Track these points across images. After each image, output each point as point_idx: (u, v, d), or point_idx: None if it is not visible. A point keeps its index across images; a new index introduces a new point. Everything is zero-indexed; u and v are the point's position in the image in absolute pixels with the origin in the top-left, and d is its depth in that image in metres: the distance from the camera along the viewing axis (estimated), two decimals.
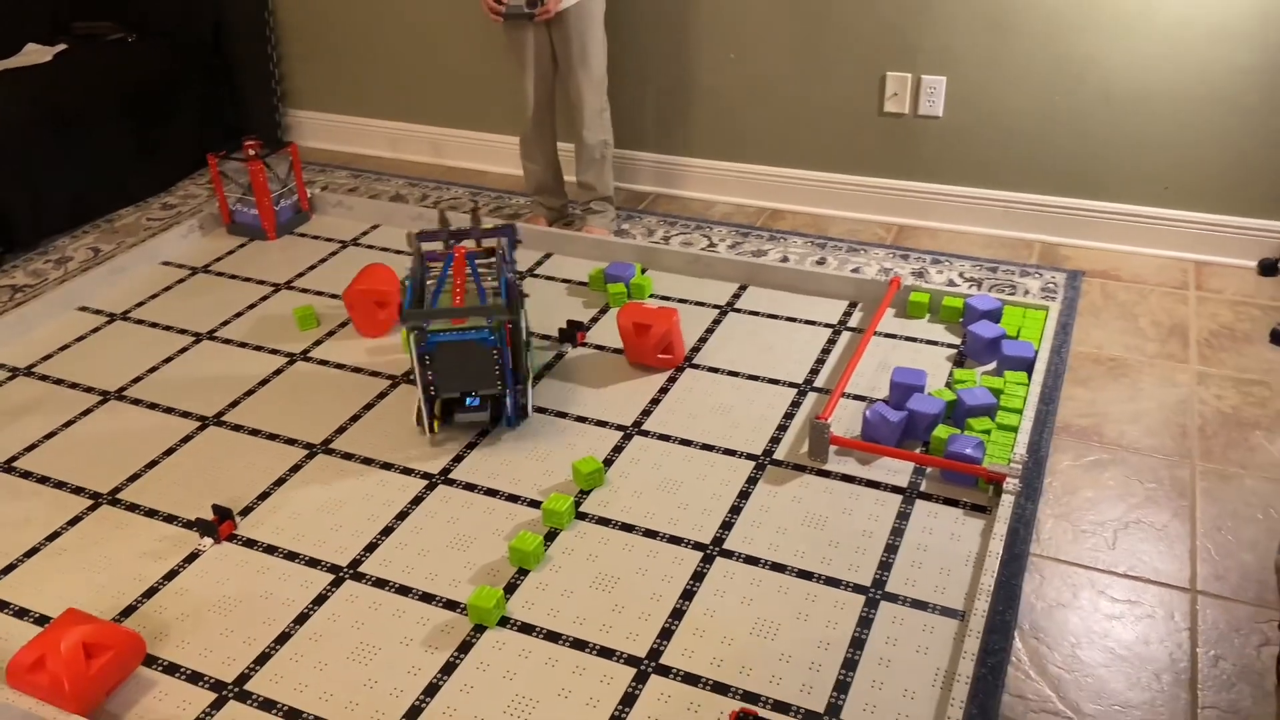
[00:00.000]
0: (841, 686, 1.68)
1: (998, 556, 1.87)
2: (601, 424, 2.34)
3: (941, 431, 2.18)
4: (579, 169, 3.10)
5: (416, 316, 2.13)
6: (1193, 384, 2.41)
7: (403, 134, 3.86)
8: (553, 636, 1.80)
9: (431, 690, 1.71)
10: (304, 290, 2.95)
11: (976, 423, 2.22)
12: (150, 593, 1.93)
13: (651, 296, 2.84)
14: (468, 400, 2.28)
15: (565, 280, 2.94)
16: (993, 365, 2.48)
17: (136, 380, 2.55)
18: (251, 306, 2.87)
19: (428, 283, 2.27)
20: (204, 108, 3.77)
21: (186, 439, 2.34)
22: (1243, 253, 2.90)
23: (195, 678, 1.75)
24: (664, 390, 2.46)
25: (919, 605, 1.83)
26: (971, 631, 1.71)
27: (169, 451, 2.30)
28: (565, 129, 3.12)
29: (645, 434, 2.31)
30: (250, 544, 2.03)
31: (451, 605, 1.87)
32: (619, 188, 3.40)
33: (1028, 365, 2.40)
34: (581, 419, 2.36)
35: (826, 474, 2.17)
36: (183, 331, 2.76)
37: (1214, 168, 2.85)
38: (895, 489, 2.11)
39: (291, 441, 2.32)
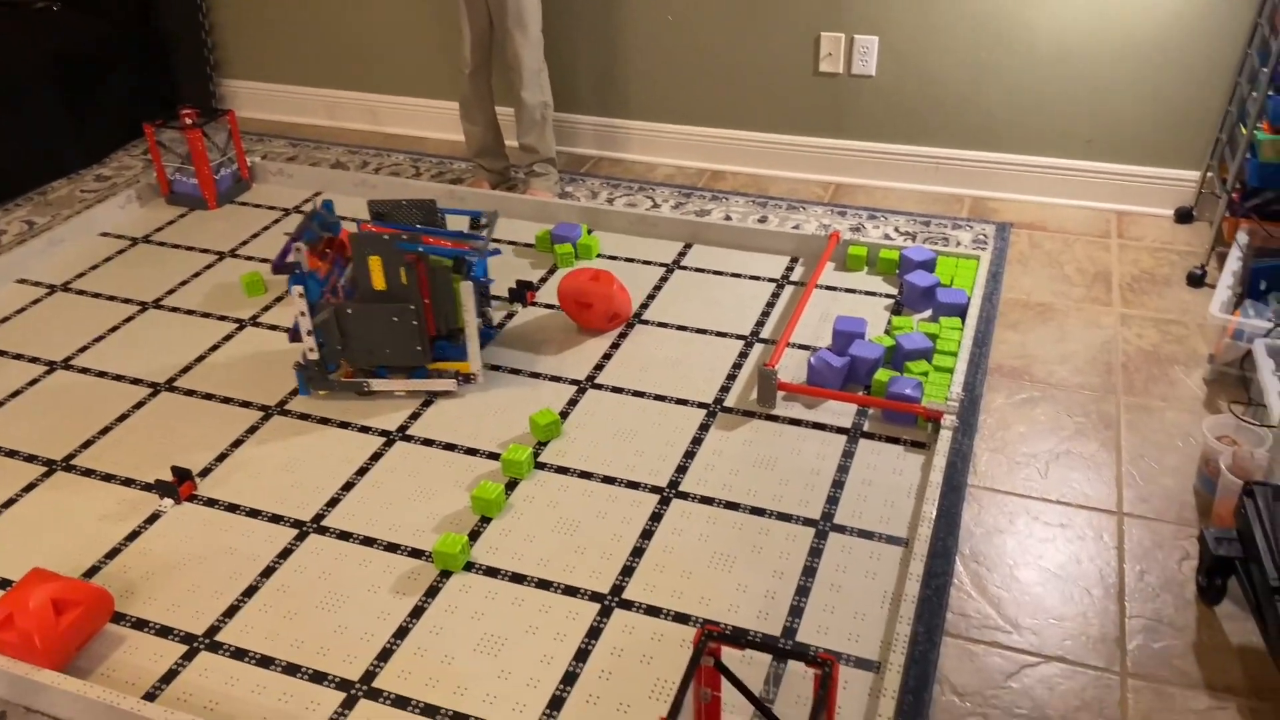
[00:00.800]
0: (796, 611, 1.77)
1: (938, 488, 1.97)
2: (556, 379, 2.39)
3: (882, 375, 2.28)
4: (520, 131, 3.13)
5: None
6: (1116, 325, 2.54)
7: (340, 102, 3.84)
8: (518, 578, 1.86)
9: (401, 633, 1.76)
10: (249, 258, 2.94)
11: (914, 365, 2.31)
12: (113, 553, 1.94)
13: (599, 257, 2.89)
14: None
15: (512, 242, 2.98)
16: (928, 313, 2.59)
17: (83, 350, 2.54)
18: (196, 275, 2.86)
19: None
20: (136, 78, 3.71)
21: (139, 405, 2.34)
22: (1161, 202, 3.04)
23: (165, 631, 1.77)
24: (615, 346, 2.51)
25: (865, 535, 1.92)
26: (916, 556, 1.81)
27: (122, 417, 2.30)
28: (505, 92, 3.14)
29: (599, 387, 2.37)
30: (211, 503, 2.05)
31: (417, 553, 1.92)
32: (561, 151, 3.43)
33: (961, 311, 2.51)
34: (536, 375, 2.41)
35: (775, 418, 2.25)
36: (127, 301, 2.74)
37: (1134, 122, 2.98)
38: (840, 430, 2.20)
39: (247, 404, 2.33)
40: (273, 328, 2.61)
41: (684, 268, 2.84)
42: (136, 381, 2.42)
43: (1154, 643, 1.72)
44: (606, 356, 2.47)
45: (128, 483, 2.11)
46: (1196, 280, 2.68)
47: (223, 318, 2.66)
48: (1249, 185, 2.61)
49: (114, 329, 2.62)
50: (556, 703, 1.63)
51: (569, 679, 1.67)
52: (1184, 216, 3.00)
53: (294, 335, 2.26)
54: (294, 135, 3.80)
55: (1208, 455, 1.98)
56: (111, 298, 2.75)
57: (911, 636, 1.68)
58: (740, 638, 1.41)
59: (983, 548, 1.91)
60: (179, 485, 2.04)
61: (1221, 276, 2.43)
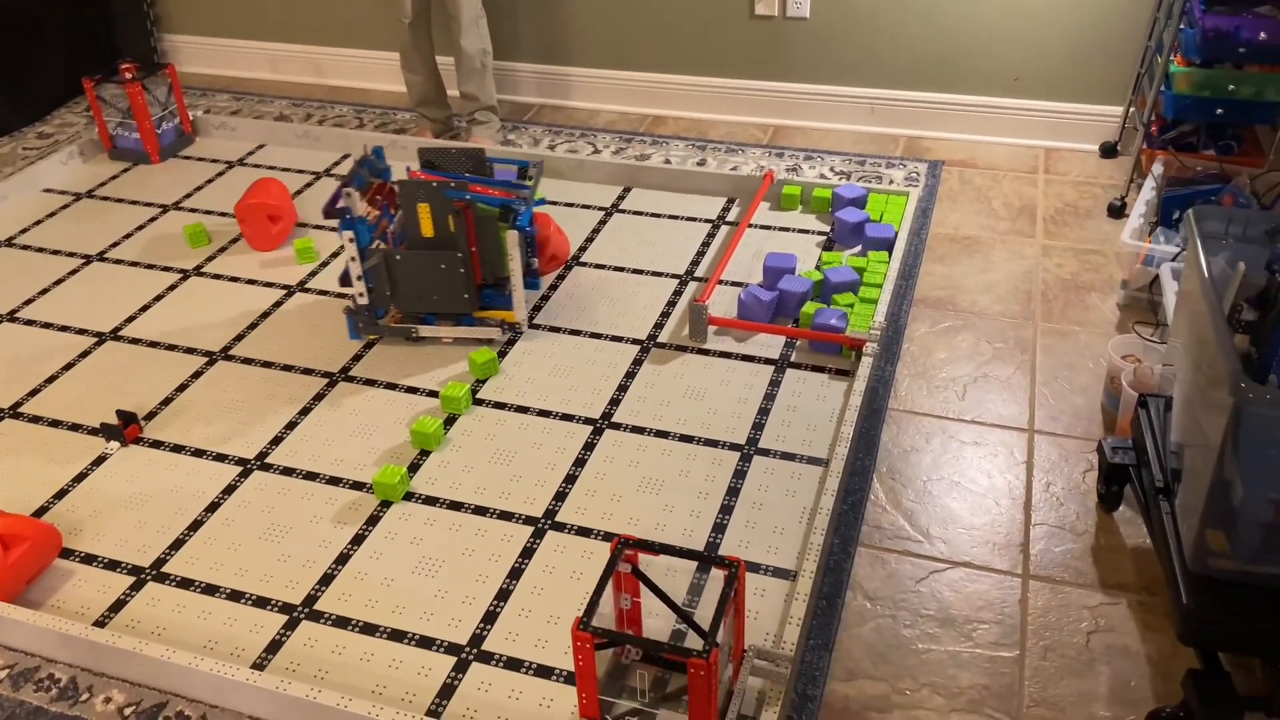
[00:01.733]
0: (719, 528, 1.86)
1: (857, 410, 2.06)
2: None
3: (809, 307, 2.36)
4: (460, 79, 3.16)
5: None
6: (1038, 256, 2.63)
7: (283, 55, 3.84)
8: (455, 506, 1.94)
9: (342, 559, 1.83)
10: (193, 210, 2.97)
11: (841, 298, 2.40)
12: (61, 494, 2.00)
13: (540, 202, 2.94)
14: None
15: None
16: (858, 248, 2.67)
17: (28, 303, 2.57)
18: (140, 228, 2.88)
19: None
20: (74, 35, 3.69)
21: (85, 354, 2.38)
22: (1087, 137, 3.13)
23: (112, 565, 1.84)
24: (553, 288, 2.58)
25: (788, 457, 2.01)
26: (833, 474, 1.90)
27: (68, 366, 2.34)
28: (446, 42, 3.17)
29: (536, 327, 2.43)
30: (157, 445, 2.11)
31: (358, 486, 1.99)
32: (503, 100, 3.46)
33: (889, 246, 2.59)
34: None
35: (706, 352, 2.33)
36: (71, 254, 2.76)
37: (1059, 59, 3.06)
38: (768, 361, 2.28)
39: (191, 350, 2.38)
40: (217, 277, 2.65)
41: (622, 211, 2.90)
42: (82, 332, 2.45)
43: (1055, 547, 1.82)
44: (545, 298, 2.53)
45: (75, 428, 2.16)
46: (1116, 211, 2.78)
47: (167, 268, 2.69)
48: (1165, 118, 2.69)
49: (59, 282, 2.65)
50: (490, 617, 1.71)
51: (503, 595, 1.75)
52: (1108, 151, 3.09)
53: (344, 280, 2.29)
54: (237, 89, 3.80)
55: (1113, 373, 2.09)
56: (55, 252, 2.78)
57: (826, 547, 1.77)
58: (653, 544, 1.49)
59: (899, 465, 2.01)
60: (125, 428, 2.10)
61: (1135, 206, 2.52)
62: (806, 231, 2.76)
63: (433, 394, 2.22)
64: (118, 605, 1.76)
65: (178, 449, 2.09)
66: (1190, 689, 1.45)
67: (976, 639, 1.66)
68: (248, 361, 2.34)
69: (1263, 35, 2.40)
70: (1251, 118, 2.61)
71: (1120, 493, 1.87)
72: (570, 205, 2.92)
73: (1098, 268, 2.57)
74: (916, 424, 2.12)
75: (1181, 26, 2.55)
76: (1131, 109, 3.01)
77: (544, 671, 1.62)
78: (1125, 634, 1.66)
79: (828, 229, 2.76)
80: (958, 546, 1.83)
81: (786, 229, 2.78)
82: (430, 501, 1.95)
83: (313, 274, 2.65)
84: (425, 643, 1.67)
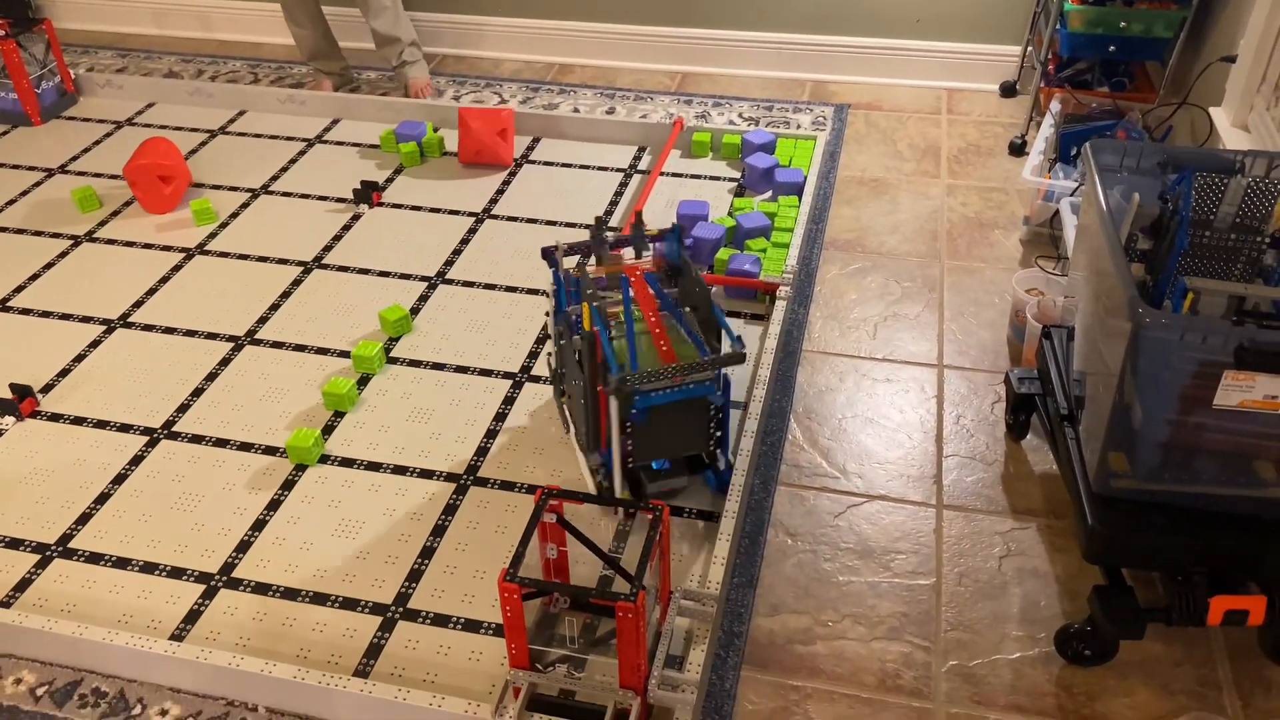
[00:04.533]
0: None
1: (773, 353, 2.08)
2: (405, 276, 2.41)
3: (723, 254, 2.36)
4: (371, 21, 3.03)
5: (630, 382, 1.60)
6: (943, 196, 2.68)
7: (167, 8, 3.67)
8: (374, 466, 1.91)
9: (259, 525, 1.79)
10: (80, 173, 2.83)
11: (754, 244, 2.41)
12: None
13: (445, 154, 2.89)
14: (654, 464, 1.78)
15: (355, 144, 2.94)
16: (769, 193, 2.68)
17: None
18: (24, 193, 2.74)
19: (608, 323, 1.73)
20: None
21: None
22: (987, 77, 3.19)
23: (15, 544, 1.77)
24: (465, 242, 2.54)
25: None
26: (751, 416, 1.92)
27: None
28: None
29: (450, 282, 2.39)
30: (56, 418, 2.03)
31: (271, 451, 1.94)
32: None
33: (798, 190, 2.61)
34: (385, 273, 2.42)
35: None
36: None
37: (958, 0, 3.10)
38: None
39: (87, 319, 2.28)
40: (110, 242, 2.54)
41: (532, 162, 2.86)
42: None
43: (967, 477, 1.88)
44: (456, 252, 2.49)
45: None
46: (1017, 149, 2.84)
47: (56, 235, 2.57)
48: (1061, 56, 2.75)
49: None
50: (415, 575, 1.70)
51: (426, 553, 1.74)
52: (1008, 90, 3.15)
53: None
54: (121, 46, 3.62)
55: (1017, 306, 2.14)
56: None
57: (747, 487, 1.80)
58: (577, 494, 1.49)
59: (815, 405, 2.04)
60: (19, 402, 2.01)
61: (1035, 144, 2.58)
62: (717, 178, 2.76)
63: (344, 354, 2.18)
64: (23, 584, 1.69)
65: (78, 421, 2.02)
66: (1096, 604, 1.51)
67: (894, 569, 1.71)
68: (148, 328, 2.25)
69: None
70: (1142, 54, 2.68)
71: (1027, 422, 1.94)
72: None
73: (1000, 205, 2.63)
74: (830, 364, 2.15)
75: None
76: (1029, 48, 3.07)
77: (472, 626, 1.61)
78: (1035, 557, 1.72)
79: (738, 175, 2.77)
80: (873, 481, 1.88)
81: (698, 176, 2.78)
82: (347, 463, 1.92)
83: (212, 235, 2.56)
84: (349, 604, 1.65)
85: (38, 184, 2.78)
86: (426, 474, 1.89)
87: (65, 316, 2.29)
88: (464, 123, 2.74)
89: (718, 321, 1.70)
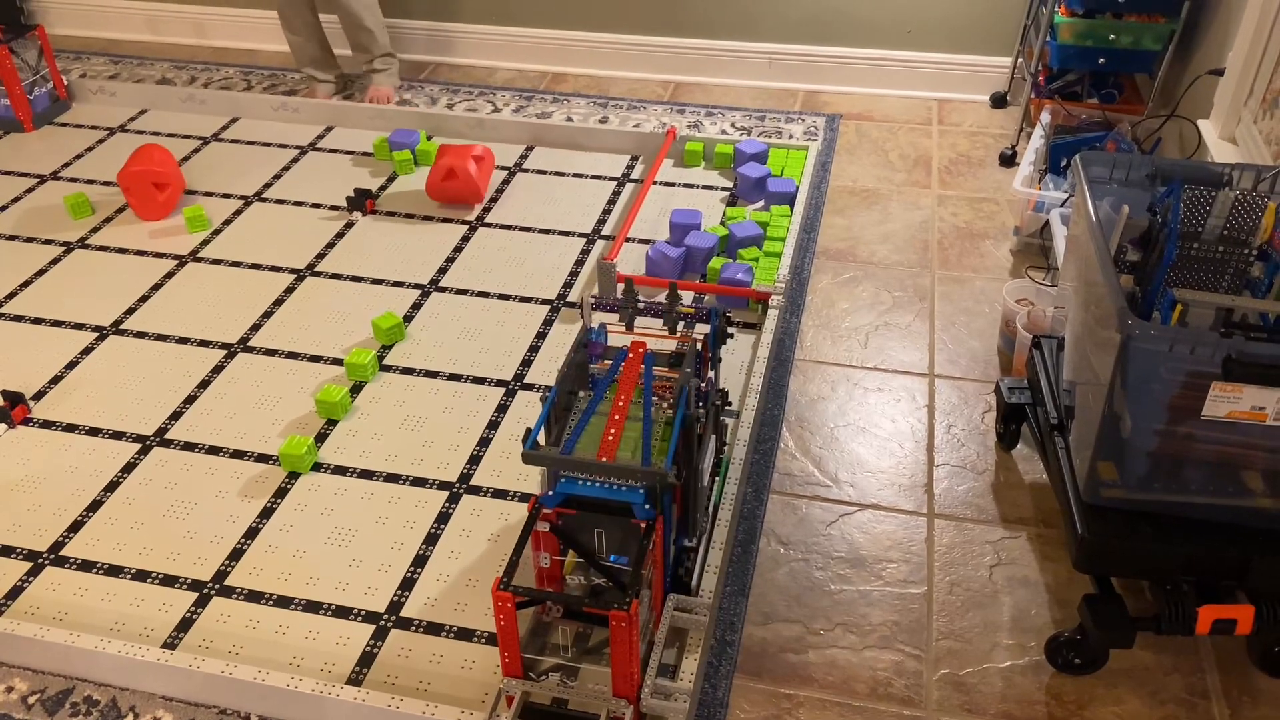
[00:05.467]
0: None
1: (765, 362, 2.09)
2: (398, 284, 2.42)
3: (716, 262, 2.37)
4: (347, 29, 3.06)
5: (540, 459, 1.45)
6: (934, 206, 2.70)
7: (162, 15, 3.67)
8: (366, 474, 1.91)
9: (251, 533, 1.79)
10: (73, 180, 2.83)
11: (746, 252, 2.42)
12: None
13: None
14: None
15: (349, 151, 2.95)
16: (761, 203, 2.69)
17: None
18: (16, 200, 2.74)
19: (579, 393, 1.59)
20: None
21: None
22: (978, 88, 3.21)
23: (6, 551, 1.76)
24: (458, 250, 2.54)
25: None
26: (744, 425, 1.93)
27: None
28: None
29: (443, 290, 2.40)
30: (48, 425, 2.02)
31: (264, 458, 1.94)
32: (399, 58, 3.37)
33: (791, 200, 2.62)
34: (378, 281, 2.43)
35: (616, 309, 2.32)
36: None
37: (950, 11, 3.12)
38: None
39: (80, 326, 2.28)
40: (103, 249, 2.54)
41: (526, 170, 2.87)
42: None
43: (958, 486, 1.89)
44: (450, 260, 2.50)
45: None
46: (1007, 160, 2.86)
47: (48, 241, 2.57)
48: (1051, 68, 2.77)
49: None
50: (408, 584, 1.70)
51: (419, 561, 1.74)
52: (998, 101, 3.17)
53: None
54: (114, 52, 3.62)
55: (1007, 316, 2.16)
56: None
57: (740, 496, 1.81)
58: (571, 502, 1.50)
59: (807, 414, 2.05)
60: (10, 410, 2.01)
61: (1025, 154, 2.59)
62: (710, 188, 2.78)
63: (337, 362, 2.18)
64: (14, 592, 1.69)
65: (70, 428, 2.01)
66: (1086, 613, 1.52)
67: (886, 577, 1.72)
68: (141, 335, 2.25)
69: None
70: (1131, 66, 2.71)
71: (1018, 431, 1.95)
72: None
73: (991, 215, 2.65)
74: (822, 373, 2.16)
75: None
76: (1019, 60, 3.09)
77: (465, 634, 1.62)
78: (1025, 565, 1.74)
79: (731, 185, 2.78)
80: (865, 489, 1.89)
81: (690, 185, 2.79)
82: (340, 471, 1.92)
83: (205, 243, 2.56)
84: (342, 612, 1.65)
85: (30, 190, 2.78)
86: (419, 482, 1.89)
87: (58, 323, 2.29)
88: (441, 156, 2.67)
89: (674, 429, 1.47)
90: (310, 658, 1.58)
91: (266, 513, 1.83)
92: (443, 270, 2.46)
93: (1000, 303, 2.27)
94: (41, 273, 2.46)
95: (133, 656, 1.51)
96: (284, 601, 1.67)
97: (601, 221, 2.64)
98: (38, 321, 2.30)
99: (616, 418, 1.51)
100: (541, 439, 1.49)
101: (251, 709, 1.50)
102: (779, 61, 3.30)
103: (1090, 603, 1.53)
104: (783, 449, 1.97)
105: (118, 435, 2.00)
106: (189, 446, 1.97)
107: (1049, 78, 2.85)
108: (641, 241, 2.55)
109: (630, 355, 1.61)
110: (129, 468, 1.92)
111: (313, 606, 1.66)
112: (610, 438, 1.47)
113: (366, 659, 1.58)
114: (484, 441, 1.98)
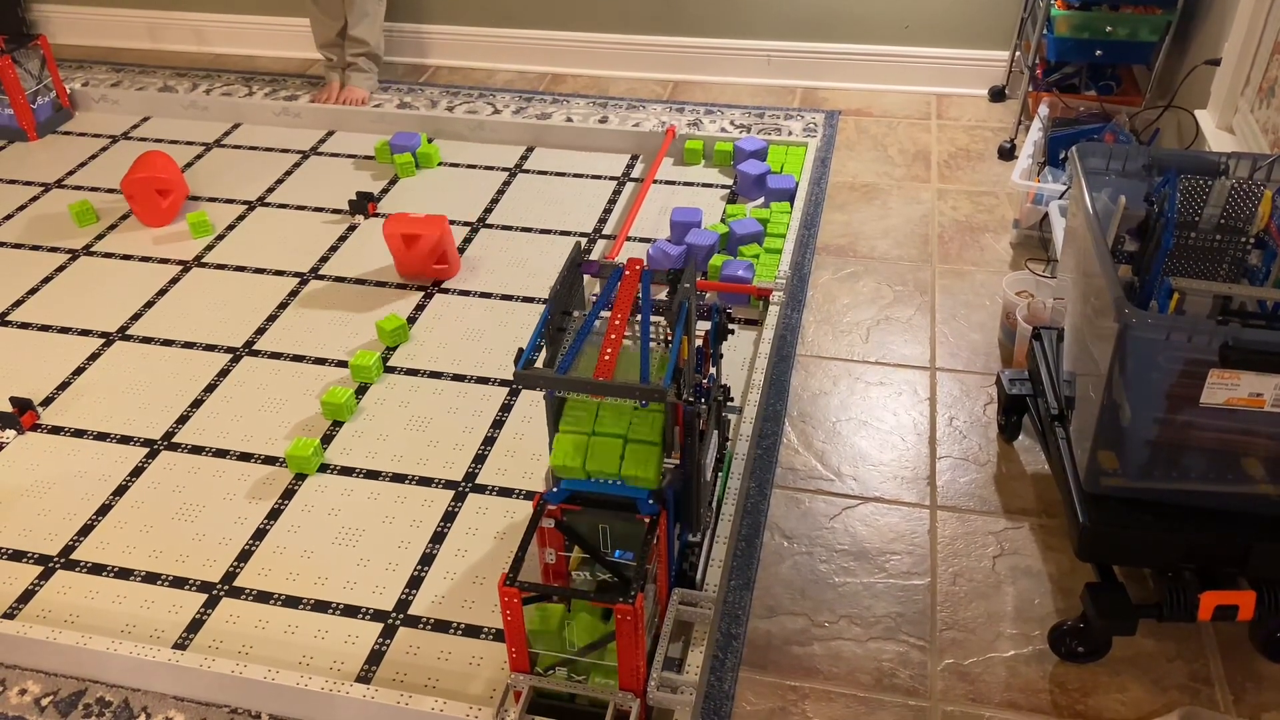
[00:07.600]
0: None
1: (767, 358, 2.10)
2: (402, 286, 2.43)
3: (717, 260, 2.39)
4: (352, 22, 3.14)
5: (533, 379, 1.39)
6: (934, 200, 2.71)
7: (162, 23, 3.69)
8: (372, 475, 1.92)
9: (259, 534, 1.81)
10: (77, 188, 2.85)
11: (747, 249, 2.43)
12: None
13: (440, 165, 2.91)
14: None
15: (350, 155, 2.96)
16: (761, 199, 2.70)
17: None
18: (21, 208, 2.76)
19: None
20: None
21: None
22: (976, 82, 3.22)
23: (18, 556, 1.78)
24: (460, 250, 2.55)
25: None
26: (747, 420, 1.94)
27: None
28: None
29: (446, 292, 2.41)
30: (56, 430, 2.04)
31: (270, 460, 1.96)
32: (397, 62, 3.41)
33: (790, 196, 2.63)
34: (381, 283, 2.44)
35: None
36: None
37: (947, 6, 3.13)
38: None
39: (86, 332, 2.30)
40: (108, 255, 2.56)
41: (526, 171, 2.88)
42: None
43: (960, 478, 1.90)
44: None
45: None
46: (1006, 153, 2.87)
47: (54, 249, 2.59)
48: (1048, 60, 2.78)
49: None
50: (415, 582, 1.71)
51: (426, 560, 1.75)
52: (997, 95, 3.18)
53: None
54: (115, 60, 3.64)
55: (1008, 309, 2.17)
56: None
57: (743, 491, 1.82)
58: (575, 498, 1.51)
59: (809, 409, 2.06)
60: (20, 415, 2.02)
61: (1024, 147, 2.60)
62: (710, 185, 2.79)
63: (342, 364, 2.19)
64: (26, 596, 1.71)
65: (79, 433, 2.03)
66: (1088, 601, 1.53)
67: (889, 570, 1.73)
68: (147, 341, 2.27)
69: None
70: (1128, 58, 2.71)
71: (1019, 423, 1.96)
72: (473, 167, 2.89)
73: (990, 209, 2.66)
74: (824, 368, 2.17)
75: None
76: (1017, 53, 3.10)
77: (472, 631, 1.63)
78: (1028, 555, 1.75)
79: (730, 182, 2.79)
80: (868, 483, 1.90)
81: (690, 183, 2.80)
82: (346, 472, 1.93)
83: (209, 248, 2.58)
84: (350, 611, 1.67)
85: (34, 199, 2.80)
86: (425, 481, 1.91)
87: (64, 330, 2.31)
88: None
89: (673, 346, 1.41)
90: (319, 656, 1.60)
91: (274, 514, 1.85)
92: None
93: (1000, 295, 2.28)
94: (48, 280, 2.47)
95: (144, 658, 1.53)
96: (293, 601, 1.69)
97: (602, 221, 2.66)
98: (45, 328, 2.32)
99: (613, 337, 1.42)
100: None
101: (262, 708, 1.52)
102: (777, 59, 3.31)
103: (1093, 591, 1.53)
104: (785, 444, 1.98)
105: (126, 440, 2.01)
106: (196, 450, 1.99)
107: (1046, 70, 2.86)
108: (642, 240, 2.56)
109: (627, 273, 1.53)
110: (137, 472, 1.94)
111: (321, 606, 1.68)
112: (607, 357, 1.40)
113: (375, 657, 1.59)
114: (489, 440, 1.99)
